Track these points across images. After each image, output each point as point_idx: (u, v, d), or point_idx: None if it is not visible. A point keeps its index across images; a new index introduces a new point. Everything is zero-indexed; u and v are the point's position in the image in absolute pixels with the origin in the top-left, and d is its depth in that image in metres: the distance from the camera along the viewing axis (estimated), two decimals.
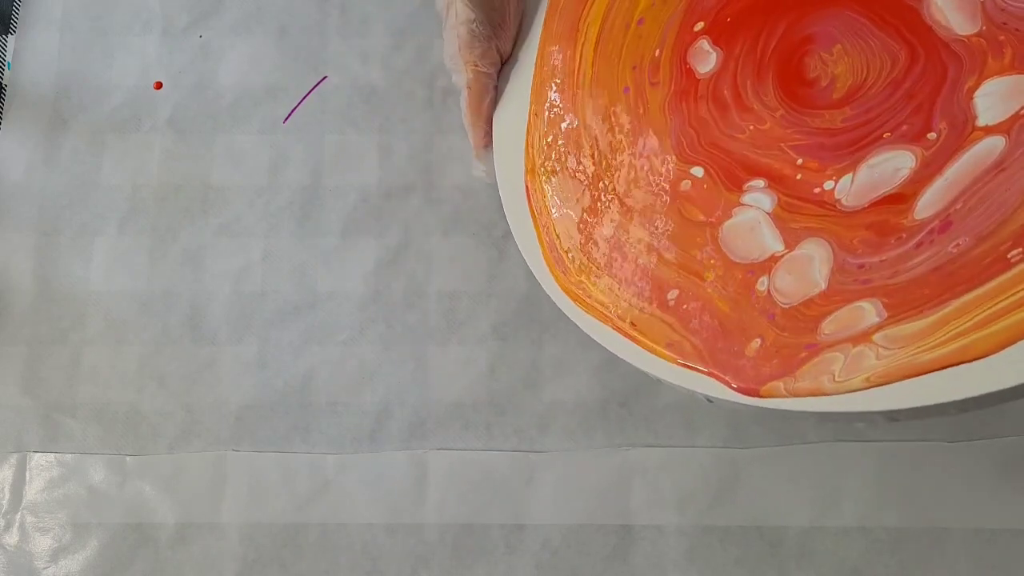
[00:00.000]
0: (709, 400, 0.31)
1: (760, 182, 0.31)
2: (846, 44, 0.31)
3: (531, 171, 0.38)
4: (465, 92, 0.39)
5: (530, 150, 0.38)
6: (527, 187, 0.38)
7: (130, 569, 0.40)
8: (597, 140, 0.36)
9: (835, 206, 0.29)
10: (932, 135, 0.28)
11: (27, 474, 0.42)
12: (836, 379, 0.27)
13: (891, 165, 0.29)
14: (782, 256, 0.30)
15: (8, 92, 0.47)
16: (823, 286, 0.29)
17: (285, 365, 0.43)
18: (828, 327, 0.28)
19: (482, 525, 0.41)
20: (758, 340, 0.30)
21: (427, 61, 0.47)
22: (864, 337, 0.27)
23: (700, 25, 0.35)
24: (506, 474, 0.41)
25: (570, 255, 0.36)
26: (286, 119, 0.47)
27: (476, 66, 0.37)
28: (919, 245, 0.27)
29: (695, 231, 0.32)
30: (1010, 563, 0.39)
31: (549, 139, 0.37)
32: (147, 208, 0.45)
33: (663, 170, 0.34)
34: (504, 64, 0.40)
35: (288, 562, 0.40)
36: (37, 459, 0.42)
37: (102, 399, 0.43)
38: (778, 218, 0.30)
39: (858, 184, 0.29)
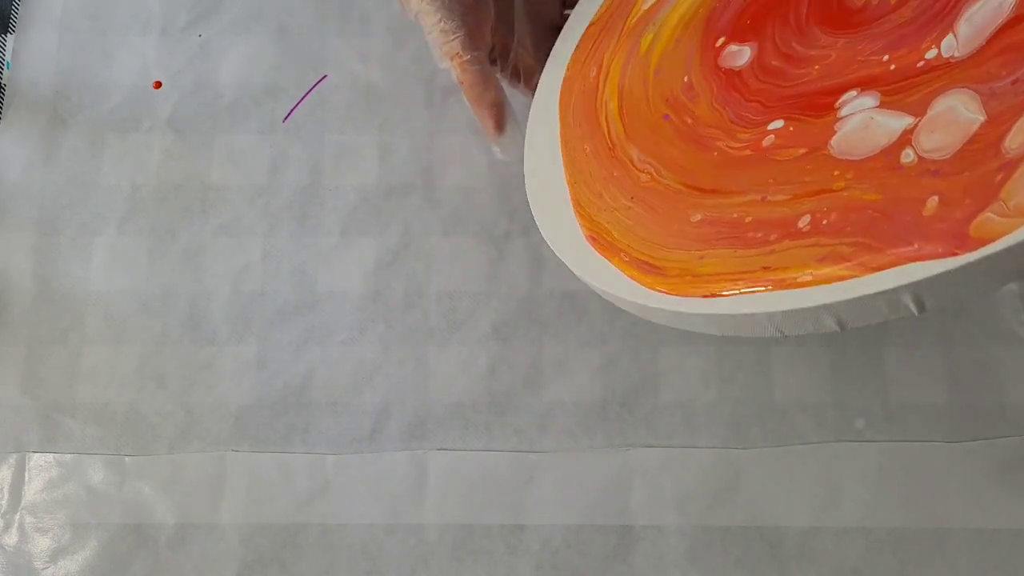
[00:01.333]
0: (920, 308, 0.24)
1: (852, 92, 0.28)
2: None
3: (590, 225, 0.34)
4: (461, 86, 0.39)
5: (581, 211, 0.35)
6: (591, 238, 0.34)
7: (129, 569, 0.40)
8: (651, 166, 0.33)
9: (949, 62, 0.26)
10: None
11: (26, 474, 0.42)
12: None
13: (991, 5, 0.25)
14: (915, 125, 0.26)
15: (7, 92, 0.47)
16: (982, 118, 0.24)
17: (285, 365, 0.43)
18: (1013, 141, 0.23)
19: (482, 525, 0.41)
20: (934, 197, 0.24)
21: (427, 61, 0.47)
22: None
23: (721, 40, 0.33)
24: (506, 474, 0.41)
25: (657, 257, 0.31)
26: (286, 119, 0.46)
27: (459, 57, 0.37)
28: None
29: (801, 162, 0.28)
30: (1010, 563, 0.39)
31: (597, 189, 0.35)
32: (147, 208, 0.45)
33: (735, 145, 0.30)
34: (493, 51, 0.40)
35: (288, 562, 0.40)
36: (36, 459, 0.42)
37: (101, 399, 0.43)
38: (890, 104, 0.26)
39: (964, 37, 0.26)
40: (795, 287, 0.26)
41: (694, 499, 0.41)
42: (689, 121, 0.32)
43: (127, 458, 0.42)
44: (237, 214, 0.45)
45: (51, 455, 0.42)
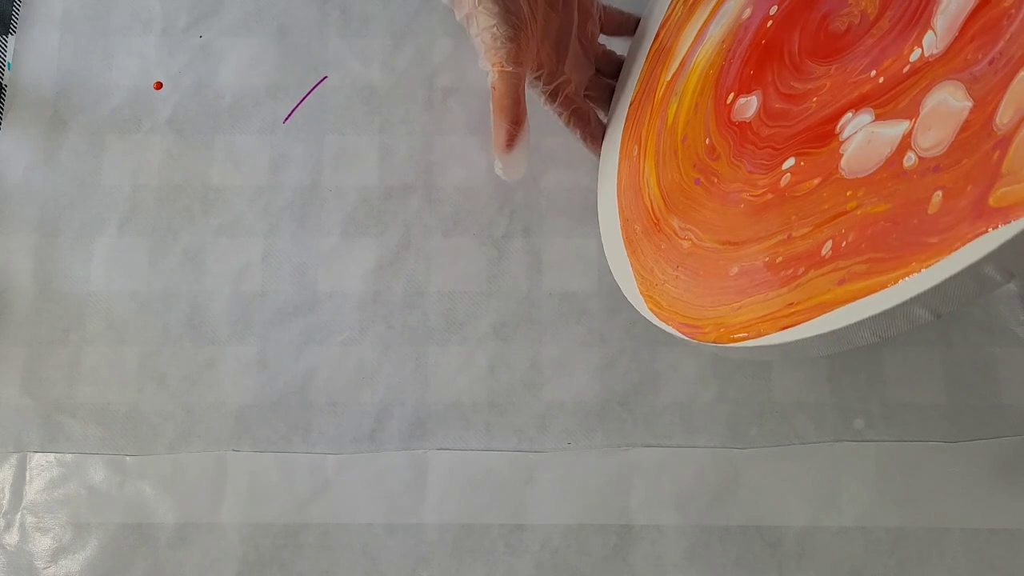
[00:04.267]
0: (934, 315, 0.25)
1: (848, 115, 0.29)
2: None
3: (648, 299, 0.38)
4: (492, 92, 0.39)
5: (642, 288, 0.39)
6: (652, 310, 0.38)
7: (130, 569, 0.40)
8: (691, 232, 0.36)
9: (930, 60, 0.27)
10: None
11: (27, 474, 0.42)
12: None
13: None
14: (912, 128, 0.27)
15: (8, 92, 0.47)
16: (970, 104, 0.25)
17: (285, 365, 0.43)
18: (1003, 118, 0.24)
19: (482, 525, 0.41)
20: (938, 192, 0.25)
21: (427, 61, 0.47)
22: None
23: (731, 96, 0.35)
24: (506, 474, 0.41)
25: (697, 319, 0.34)
26: (286, 119, 0.47)
27: (501, 66, 0.38)
28: None
29: (818, 191, 0.30)
30: (1009, 563, 0.39)
31: (649, 265, 0.38)
32: (147, 208, 0.45)
33: (757, 192, 0.33)
34: (540, 71, 0.41)
35: (288, 562, 0.40)
36: (37, 459, 0.42)
37: (102, 399, 0.43)
38: (885, 115, 0.28)
39: (941, 31, 0.27)
40: (807, 318, 0.28)
41: (693, 499, 0.41)
42: (715, 180, 0.35)
43: (128, 458, 0.42)
44: (237, 214, 0.45)
45: (52, 455, 0.42)
